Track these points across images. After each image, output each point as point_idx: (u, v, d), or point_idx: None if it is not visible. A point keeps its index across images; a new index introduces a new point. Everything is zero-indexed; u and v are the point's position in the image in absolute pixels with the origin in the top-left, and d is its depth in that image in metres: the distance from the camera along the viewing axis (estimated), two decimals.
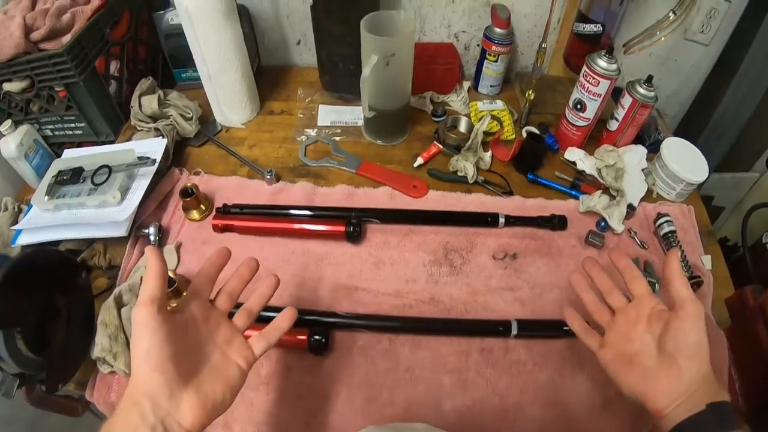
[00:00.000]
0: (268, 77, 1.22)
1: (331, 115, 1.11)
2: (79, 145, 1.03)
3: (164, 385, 0.44)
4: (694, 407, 0.47)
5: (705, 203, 0.98)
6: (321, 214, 0.90)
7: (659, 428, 0.50)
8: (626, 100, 0.92)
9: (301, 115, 1.11)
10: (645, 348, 0.55)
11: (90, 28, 0.93)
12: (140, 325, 0.45)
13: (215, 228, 0.89)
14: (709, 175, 0.93)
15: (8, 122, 0.91)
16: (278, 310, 0.77)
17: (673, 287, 0.55)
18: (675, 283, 0.55)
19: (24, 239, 0.86)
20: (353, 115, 1.11)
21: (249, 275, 0.61)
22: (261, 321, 0.64)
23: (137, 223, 0.89)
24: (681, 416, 0.47)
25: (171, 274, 0.79)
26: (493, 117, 1.06)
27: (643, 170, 0.96)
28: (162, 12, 1.07)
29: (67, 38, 0.90)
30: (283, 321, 0.59)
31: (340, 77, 1.10)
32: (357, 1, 0.94)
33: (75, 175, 0.89)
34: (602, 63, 0.89)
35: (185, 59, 1.00)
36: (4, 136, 0.92)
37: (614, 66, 0.88)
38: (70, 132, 1.02)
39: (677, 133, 1.07)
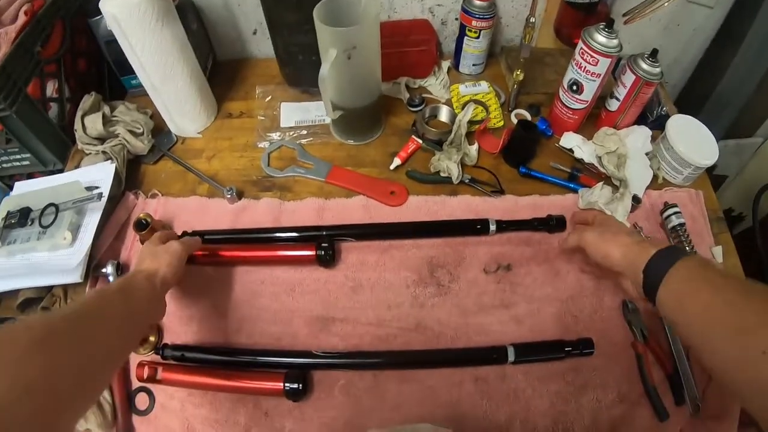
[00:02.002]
0: (224, 74, 1.11)
1: (295, 113, 1.00)
2: (29, 176, 0.95)
3: (170, 276, 0.67)
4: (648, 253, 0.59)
5: (707, 172, 0.88)
6: (289, 236, 0.82)
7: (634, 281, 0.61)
8: (628, 78, 0.81)
9: (262, 117, 1.00)
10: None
11: (15, 51, 0.82)
12: (176, 250, 0.71)
13: None
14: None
15: None
16: (253, 353, 0.73)
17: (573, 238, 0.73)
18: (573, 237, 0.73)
19: None
20: (319, 111, 0.99)
21: None
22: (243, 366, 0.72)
23: (95, 262, 0.82)
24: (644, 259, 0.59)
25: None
26: (478, 102, 0.94)
27: (647, 154, 0.86)
28: (99, 17, 0.95)
29: None
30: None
31: (301, 69, 0.98)
32: None
33: (23, 217, 0.83)
34: (601, 38, 0.76)
35: (131, 66, 0.89)
36: None
37: (615, 41, 0.76)
38: (17, 164, 0.93)
39: (678, 103, 0.98)
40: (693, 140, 0.83)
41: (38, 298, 0.81)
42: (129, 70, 1.00)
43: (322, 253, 0.77)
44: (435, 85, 1.02)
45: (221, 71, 1.11)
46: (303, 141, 0.96)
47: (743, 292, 0.49)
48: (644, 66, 0.79)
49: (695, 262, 0.55)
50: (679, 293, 0.54)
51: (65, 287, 0.81)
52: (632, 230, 0.69)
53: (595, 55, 0.78)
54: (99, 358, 0.48)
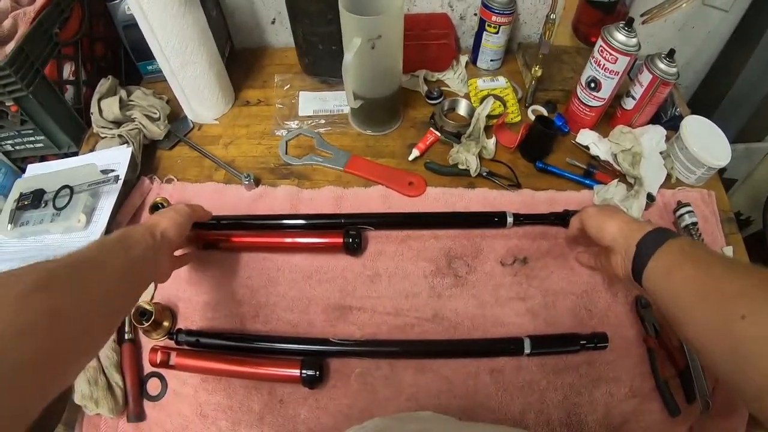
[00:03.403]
0: (242, 62, 1.10)
1: (313, 102, 1.00)
2: (42, 158, 0.95)
3: (173, 231, 0.66)
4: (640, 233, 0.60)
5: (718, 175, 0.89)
6: (308, 223, 0.82)
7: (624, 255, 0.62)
8: (644, 77, 0.81)
9: (280, 105, 1.00)
10: None
11: (34, 32, 0.81)
12: (181, 210, 0.71)
13: (197, 246, 0.82)
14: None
15: None
16: (269, 339, 0.73)
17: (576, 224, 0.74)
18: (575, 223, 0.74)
19: None
20: (338, 101, 0.99)
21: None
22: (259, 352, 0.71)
23: None
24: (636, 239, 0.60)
25: (146, 306, 0.73)
26: (496, 97, 0.94)
27: (661, 153, 0.86)
28: (117, 1, 0.94)
29: (10, 47, 0.79)
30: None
31: (320, 59, 0.98)
32: None
33: (36, 198, 0.82)
34: (620, 37, 0.77)
35: (148, 51, 0.88)
36: None
37: (634, 40, 0.77)
38: (31, 146, 0.93)
39: (691, 105, 0.99)
40: (706, 141, 0.84)
41: None
42: (146, 56, 1.00)
43: (350, 240, 0.77)
44: (453, 78, 1.02)
45: (239, 59, 1.11)
46: (321, 130, 0.96)
47: (727, 266, 0.51)
48: (661, 65, 0.80)
49: (686, 241, 0.57)
50: (666, 266, 0.55)
51: None
52: (624, 212, 0.69)
53: (614, 53, 0.79)
54: (100, 307, 0.48)
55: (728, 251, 0.80)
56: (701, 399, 0.67)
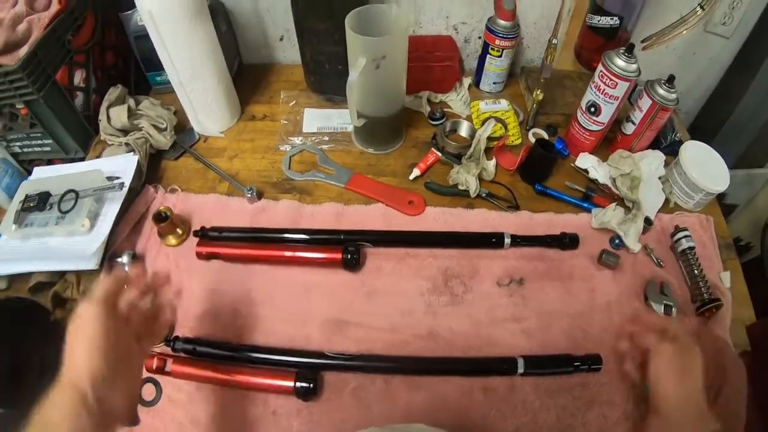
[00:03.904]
0: (249, 77, 1.12)
1: (317, 119, 1.02)
2: (50, 162, 0.96)
3: (104, 369, 0.47)
4: None
5: (717, 200, 0.90)
6: (308, 238, 0.83)
7: None
8: (644, 102, 0.83)
9: (285, 121, 1.02)
10: None
11: (48, 37, 0.84)
12: (87, 318, 0.49)
13: (199, 255, 0.83)
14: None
15: None
16: (265, 350, 0.73)
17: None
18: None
19: None
20: (342, 119, 1.01)
21: None
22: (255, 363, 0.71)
23: (110, 251, 0.83)
24: None
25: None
26: (497, 119, 0.96)
27: (660, 178, 0.88)
28: (130, 12, 0.97)
29: (24, 51, 0.81)
30: None
31: (326, 77, 1.00)
32: None
33: (41, 201, 0.84)
34: (620, 62, 0.79)
35: (158, 62, 0.90)
36: None
37: (634, 66, 0.79)
38: (38, 149, 0.94)
39: (692, 130, 1.01)
40: (705, 166, 0.85)
41: (50, 282, 0.81)
42: (155, 67, 1.02)
43: (349, 256, 0.78)
44: (456, 100, 1.04)
45: (246, 74, 1.13)
46: (324, 147, 0.98)
47: None
48: (661, 91, 0.81)
49: None
50: None
51: (78, 274, 0.81)
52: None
53: (614, 78, 0.80)
54: None
55: (725, 277, 0.80)
56: None
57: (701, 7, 0.73)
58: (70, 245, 0.81)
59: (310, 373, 0.69)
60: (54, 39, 0.86)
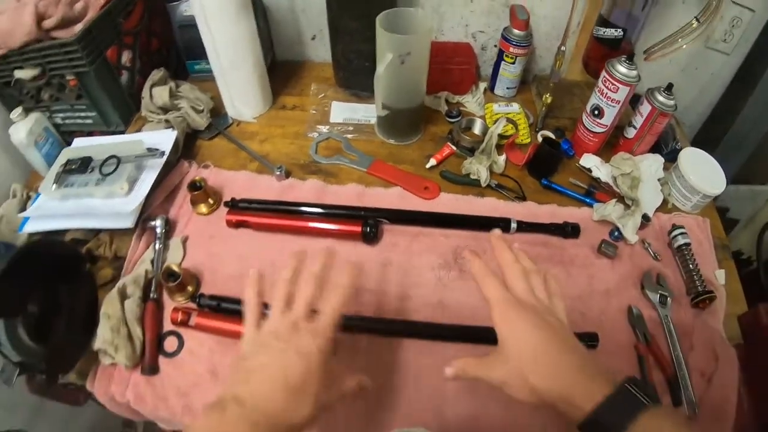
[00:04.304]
0: (281, 72, 1.21)
1: (344, 112, 1.10)
2: (90, 134, 1.03)
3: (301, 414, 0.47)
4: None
5: (720, 215, 0.95)
6: (331, 212, 0.89)
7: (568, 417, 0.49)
8: (645, 108, 0.90)
9: (314, 111, 1.10)
10: None
11: (102, 17, 0.92)
12: (313, 359, 0.49)
13: (229, 223, 0.89)
14: (725, 187, 0.90)
15: (19, 109, 0.91)
16: None
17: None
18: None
19: (31, 227, 0.86)
20: (366, 112, 1.09)
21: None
22: None
23: (144, 215, 0.88)
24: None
25: (175, 268, 0.78)
26: (509, 120, 1.03)
27: (659, 180, 0.94)
28: (176, 3, 1.06)
29: (79, 27, 0.89)
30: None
31: (354, 74, 1.08)
32: None
33: (83, 164, 0.89)
34: (622, 69, 0.87)
35: (198, 51, 0.99)
36: (15, 123, 0.92)
37: (634, 72, 0.86)
38: (81, 121, 1.01)
39: (695, 143, 1.05)
40: (703, 171, 0.91)
41: (84, 240, 0.86)
42: (196, 56, 1.11)
43: (368, 230, 0.85)
44: (471, 102, 1.12)
45: (279, 69, 1.21)
46: (349, 136, 1.05)
47: None
48: (660, 98, 0.88)
49: (660, 419, 0.44)
50: None
51: (112, 234, 0.86)
52: (556, 347, 0.51)
53: (616, 83, 0.87)
54: None
55: (720, 274, 0.84)
56: (688, 406, 0.70)
57: (697, 20, 0.81)
58: (108, 206, 0.85)
59: None
60: (108, 19, 0.94)
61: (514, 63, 1.07)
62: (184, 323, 0.76)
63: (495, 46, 1.15)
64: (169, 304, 0.80)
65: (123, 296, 0.77)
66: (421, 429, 0.63)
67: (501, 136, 0.98)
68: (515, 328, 0.53)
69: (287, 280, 0.58)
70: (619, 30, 0.94)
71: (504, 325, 0.53)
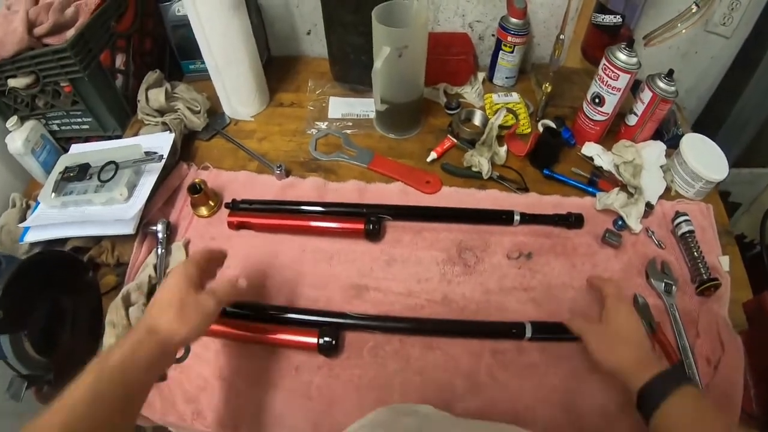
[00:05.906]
0: (277, 68, 1.19)
1: (342, 107, 1.09)
2: (87, 139, 1.02)
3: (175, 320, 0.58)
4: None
5: (722, 199, 0.95)
6: (332, 210, 0.89)
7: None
8: (646, 95, 0.89)
9: (312, 108, 1.09)
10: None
11: (94, 21, 0.91)
12: (175, 280, 0.61)
13: (230, 225, 0.89)
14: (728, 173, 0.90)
15: (14, 118, 0.90)
16: (290, 310, 0.78)
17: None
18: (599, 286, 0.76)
19: (32, 236, 0.85)
20: (365, 107, 1.08)
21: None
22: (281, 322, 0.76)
23: (145, 220, 0.88)
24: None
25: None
26: (509, 110, 1.02)
27: (661, 167, 0.93)
28: (168, 3, 1.05)
29: (71, 33, 0.88)
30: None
31: (351, 68, 1.07)
32: None
33: (82, 171, 0.88)
34: (622, 56, 0.85)
35: (193, 51, 0.98)
36: (11, 132, 0.91)
37: (634, 59, 0.85)
38: (77, 127, 1.00)
39: (695, 128, 1.05)
40: (705, 157, 0.90)
41: (86, 248, 0.86)
42: (190, 55, 1.10)
43: (371, 227, 0.84)
44: (470, 93, 1.11)
45: (275, 65, 1.20)
46: (348, 131, 1.04)
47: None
48: (661, 84, 0.87)
49: (691, 395, 0.59)
50: (673, 424, 0.58)
51: (113, 240, 0.86)
52: (640, 336, 0.68)
53: (616, 71, 0.86)
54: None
55: (724, 260, 0.84)
56: None
57: (696, 5, 0.79)
58: (108, 213, 0.85)
59: (332, 330, 0.74)
60: (100, 23, 0.93)
61: (512, 52, 1.05)
62: None
63: (492, 35, 1.14)
64: None
65: (127, 303, 0.77)
66: (429, 407, 0.64)
67: (501, 127, 0.98)
68: (620, 313, 0.70)
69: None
70: (617, 16, 0.93)
71: (613, 309, 0.71)
